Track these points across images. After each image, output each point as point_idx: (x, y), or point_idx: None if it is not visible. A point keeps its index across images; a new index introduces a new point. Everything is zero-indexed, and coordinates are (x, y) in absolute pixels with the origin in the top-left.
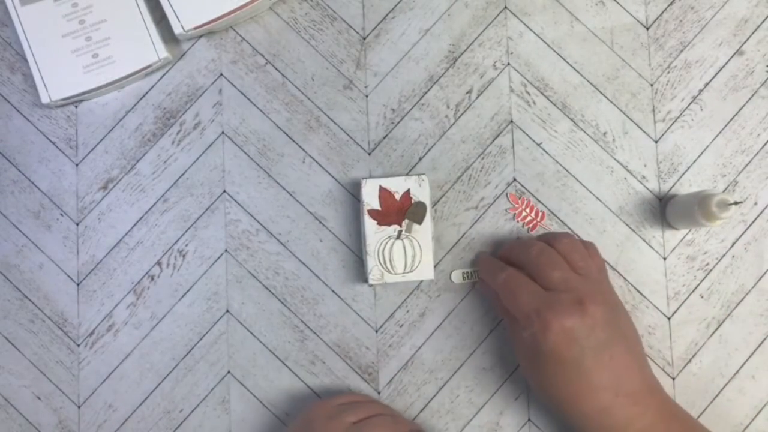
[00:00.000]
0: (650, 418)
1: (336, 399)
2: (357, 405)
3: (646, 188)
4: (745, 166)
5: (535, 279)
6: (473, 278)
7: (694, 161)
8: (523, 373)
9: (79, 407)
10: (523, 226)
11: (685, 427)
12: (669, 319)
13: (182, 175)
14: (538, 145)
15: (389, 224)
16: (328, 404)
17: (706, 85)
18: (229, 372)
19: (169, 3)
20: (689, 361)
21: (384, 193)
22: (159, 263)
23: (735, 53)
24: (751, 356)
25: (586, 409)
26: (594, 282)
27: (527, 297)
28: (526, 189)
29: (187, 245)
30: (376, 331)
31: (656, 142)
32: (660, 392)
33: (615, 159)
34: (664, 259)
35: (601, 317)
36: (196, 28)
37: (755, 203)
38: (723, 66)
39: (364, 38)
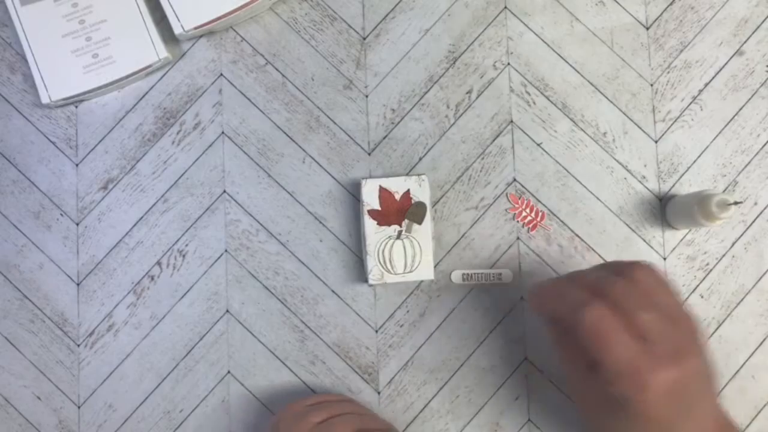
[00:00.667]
0: None
1: (305, 400)
2: (324, 405)
3: (646, 188)
4: (745, 166)
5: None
6: (473, 279)
7: (694, 161)
8: (588, 421)
9: (79, 407)
10: (523, 226)
11: None
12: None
13: (182, 175)
14: (538, 145)
15: (389, 224)
16: (297, 406)
17: (706, 85)
18: (229, 372)
19: (169, 3)
20: None
21: (384, 193)
22: (159, 263)
23: (735, 53)
24: (751, 356)
25: None
26: (684, 324)
27: (621, 348)
28: (526, 189)
29: (187, 245)
30: (376, 331)
31: (656, 142)
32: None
33: (615, 159)
34: (664, 259)
35: (696, 369)
36: (196, 28)
37: (755, 203)
38: (723, 66)
39: (364, 38)
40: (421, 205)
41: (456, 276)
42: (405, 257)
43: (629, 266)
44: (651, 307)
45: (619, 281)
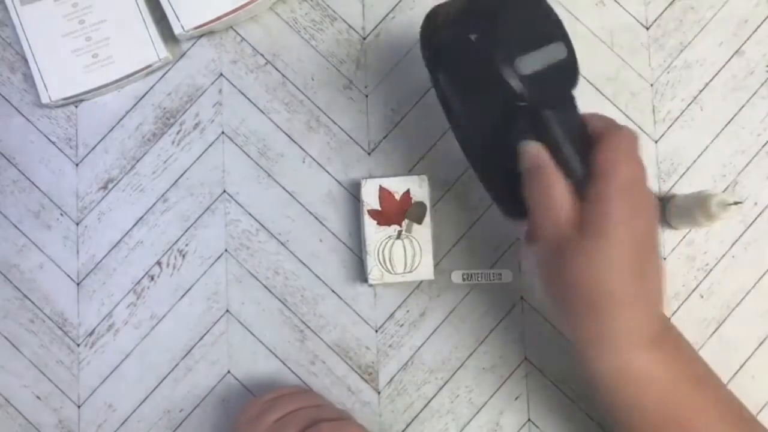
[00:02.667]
0: (665, 339)
1: (264, 397)
2: (282, 400)
3: None
4: (745, 166)
5: None
6: (473, 279)
7: (694, 161)
8: (569, 268)
9: (79, 407)
10: None
11: (685, 355)
12: (669, 319)
13: (182, 175)
14: None
15: (389, 224)
16: (255, 404)
17: (706, 85)
18: (229, 372)
19: (169, 3)
20: None
21: (384, 193)
22: (159, 263)
23: (735, 53)
24: (751, 356)
25: (646, 313)
26: (647, 190)
27: (605, 169)
28: None
29: (187, 245)
30: (376, 331)
31: (656, 142)
32: (672, 326)
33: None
34: (664, 259)
35: (654, 230)
36: (196, 28)
37: (755, 203)
38: (723, 66)
39: (364, 38)
40: (421, 205)
41: (456, 276)
42: (405, 257)
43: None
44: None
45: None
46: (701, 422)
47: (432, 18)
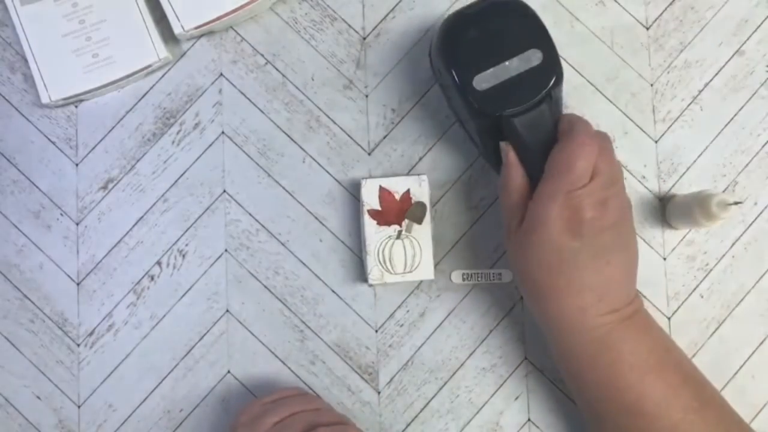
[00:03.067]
0: (624, 330)
1: (262, 399)
2: (281, 403)
3: (646, 188)
4: (745, 166)
5: None
6: (473, 279)
7: (694, 161)
8: (512, 256)
9: (79, 407)
10: None
11: (659, 344)
12: (669, 319)
13: (182, 175)
14: None
15: (389, 224)
16: (254, 406)
17: (706, 85)
18: (229, 372)
19: (169, 3)
20: None
21: (384, 193)
22: (159, 263)
23: (735, 53)
24: (751, 356)
25: (565, 304)
26: (619, 181)
27: (575, 174)
28: None
29: (187, 245)
30: (376, 331)
31: (656, 142)
32: (640, 311)
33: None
34: (664, 259)
35: (615, 221)
36: (196, 28)
37: (755, 203)
38: (723, 66)
39: (364, 38)
40: (421, 205)
41: (456, 276)
42: (405, 257)
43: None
44: (608, 161)
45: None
46: (647, 405)
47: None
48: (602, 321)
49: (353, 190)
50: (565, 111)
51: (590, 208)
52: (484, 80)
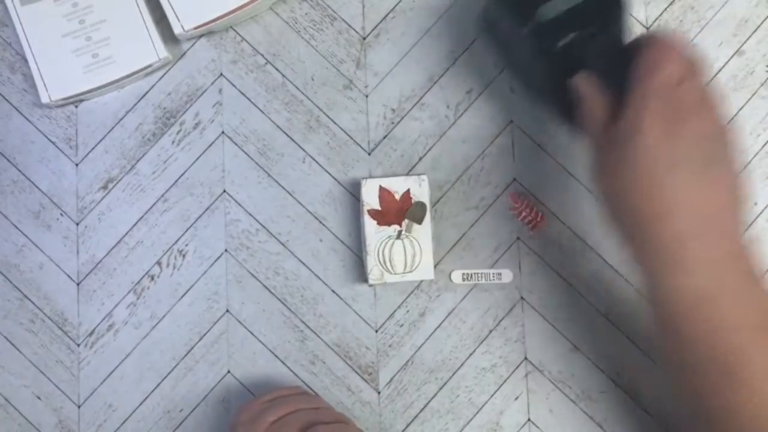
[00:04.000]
0: (729, 275)
1: (262, 398)
2: (280, 401)
3: None
4: (745, 166)
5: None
6: (473, 279)
7: None
8: (603, 185)
9: (79, 407)
10: (523, 226)
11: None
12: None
13: (182, 175)
14: (538, 145)
15: (389, 224)
16: (253, 405)
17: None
18: (229, 372)
19: (169, 3)
20: None
21: (384, 193)
22: (159, 263)
23: (735, 53)
24: None
25: (664, 232)
26: (714, 95)
27: (664, 74)
28: (526, 189)
29: (187, 245)
30: (376, 331)
31: None
32: (746, 253)
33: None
34: None
35: (713, 131)
36: (196, 28)
37: (755, 203)
38: (723, 66)
39: (364, 38)
40: (421, 205)
41: (456, 276)
42: (405, 257)
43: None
44: (698, 68)
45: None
46: (750, 372)
47: None
48: (705, 257)
49: (353, 190)
50: None
51: (691, 106)
52: (548, 10)
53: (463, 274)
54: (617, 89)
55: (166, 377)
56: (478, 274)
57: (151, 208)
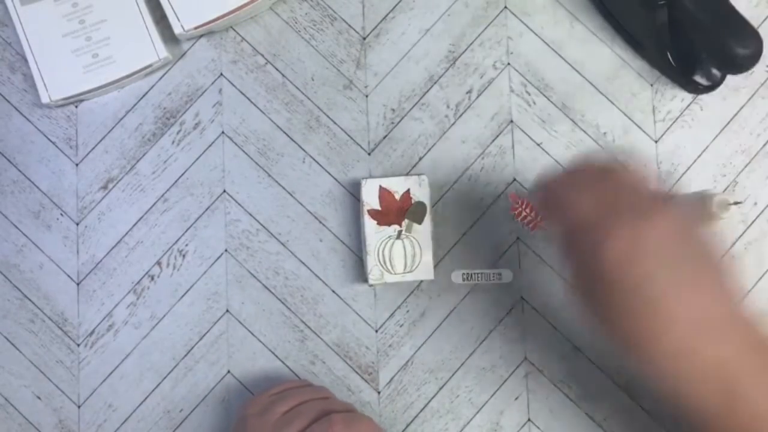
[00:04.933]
0: (753, 368)
1: (269, 391)
2: (288, 393)
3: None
4: (745, 166)
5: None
6: (473, 279)
7: (694, 161)
8: (585, 308)
9: (79, 407)
10: (523, 227)
11: None
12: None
13: (182, 175)
14: (538, 145)
15: (389, 224)
16: (261, 398)
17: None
18: (229, 372)
19: (169, 3)
20: None
21: (384, 193)
22: (159, 263)
23: None
24: None
25: (657, 350)
26: (656, 194)
27: (590, 197)
28: (526, 189)
29: (187, 245)
30: (376, 331)
31: (656, 142)
32: (755, 335)
33: (615, 159)
34: None
35: (670, 228)
36: (196, 28)
37: (755, 203)
38: None
39: (364, 38)
40: (421, 205)
41: (456, 276)
42: (405, 257)
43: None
44: (621, 176)
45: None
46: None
47: None
48: (719, 356)
49: (353, 190)
50: (566, 111)
51: (648, 214)
52: None
53: (463, 274)
54: (704, 44)
55: (166, 377)
56: (478, 274)
57: (151, 208)
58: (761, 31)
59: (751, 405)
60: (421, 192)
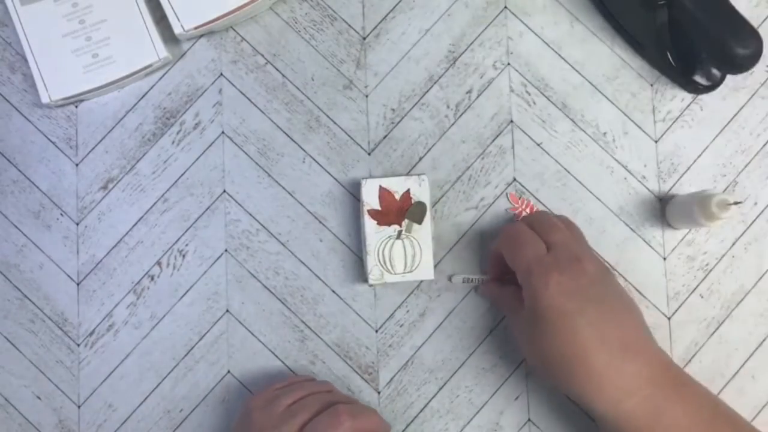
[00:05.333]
0: (661, 379)
1: (273, 385)
2: (293, 387)
3: (646, 188)
4: (745, 166)
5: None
6: (474, 282)
7: (694, 161)
8: (523, 350)
9: (79, 407)
10: None
11: (705, 400)
12: (669, 319)
13: (182, 175)
14: (538, 145)
15: (389, 224)
16: (265, 392)
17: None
18: (229, 372)
19: (169, 3)
20: (689, 361)
21: (384, 193)
22: (159, 263)
23: None
24: (751, 356)
25: (593, 368)
26: (586, 246)
27: (530, 248)
28: (526, 189)
29: (187, 245)
30: (376, 331)
31: (656, 142)
32: (666, 357)
33: (615, 159)
34: (664, 259)
35: (598, 273)
36: (196, 28)
37: (755, 203)
38: None
39: (364, 38)
40: (421, 205)
41: (456, 279)
42: (405, 257)
43: (529, 217)
44: (560, 229)
45: (535, 215)
46: None
47: None
48: (640, 371)
49: (353, 190)
50: (566, 111)
51: (565, 264)
52: None
53: (464, 278)
54: (703, 43)
55: (166, 377)
56: (478, 278)
57: (151, 208)
58: (761, 31)
59: (673, 417)
60: (421, 192)
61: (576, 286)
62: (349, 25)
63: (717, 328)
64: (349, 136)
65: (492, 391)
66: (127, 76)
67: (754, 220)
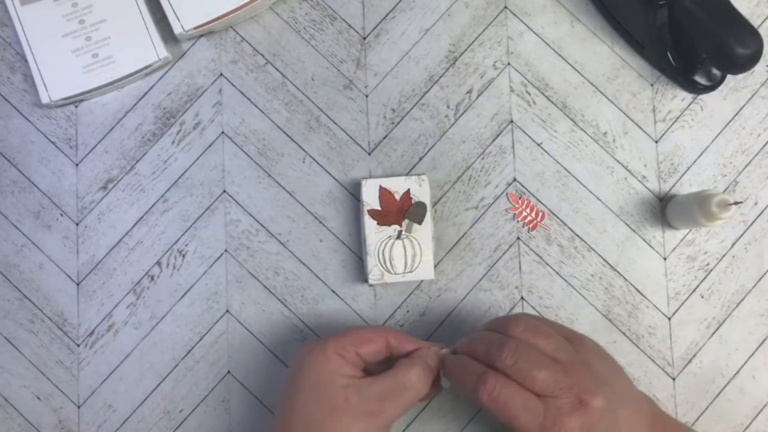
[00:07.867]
0: None
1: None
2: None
3: (646, 188)
4: (745, 166)
5: (519, 383)
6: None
7: (694, 161)
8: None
9: (79, 407)
10: (523, 226)
11: None
12: (669, 319)
13: (182, 175)
14: (538, 145)
15: (389, 224)
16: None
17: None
18: (229, 372)
19: (169, 3)
20: (689, 361)
21: (384, 193)
22: (159, 263)
23: None
24: (751, 356)
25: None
26: (579, 364)
27: (525, 415)
28: (526, 189)
29: (187, 245)
30: None
31: (656, 142)
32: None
33: (615, 159)
34: (665, 259)
35: (603, 404)
36: (196, 28)
37: (755, 203)
38: None
39: (364, 38)
40: (421, 205)
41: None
42: (405, 257)
43: (505, 325)
44: (542, 363)
45: (506, 345)
46: None
47: None
48: None
49: (353, 190)
50: (566, 111)
51: (575, 420)
52: None
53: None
54: (704, 46)
55: (166, 377)
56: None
57: (151, 208)
58: (761, 31)
59: None
60: (421, 192)
61: (589, 428)
62: (349, 25)
63: (717, 328)
64: (349, 136)
65: None
66: (127, 76)
67: (755, 220)
